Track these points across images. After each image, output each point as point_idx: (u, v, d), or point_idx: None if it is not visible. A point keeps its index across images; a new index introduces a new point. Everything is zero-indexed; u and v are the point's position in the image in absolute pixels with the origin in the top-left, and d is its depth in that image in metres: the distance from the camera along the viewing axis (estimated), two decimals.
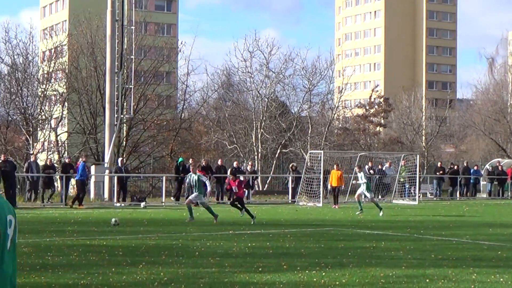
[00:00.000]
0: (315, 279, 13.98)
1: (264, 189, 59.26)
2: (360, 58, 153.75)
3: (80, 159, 39.83)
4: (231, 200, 29.26)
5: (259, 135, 66.09)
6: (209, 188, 28.39)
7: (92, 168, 42.12)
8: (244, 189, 33.41)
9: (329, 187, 41.24)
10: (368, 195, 34.13)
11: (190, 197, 28.77)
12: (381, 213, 32.22)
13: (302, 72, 69.48)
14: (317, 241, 21.00)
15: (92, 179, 41.44)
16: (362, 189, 33.88)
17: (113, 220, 25.33)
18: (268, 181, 62.67)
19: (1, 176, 36.99)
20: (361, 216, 31.73)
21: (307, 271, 14.88)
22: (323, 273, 14.69)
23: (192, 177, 28.37)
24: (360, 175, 34.13)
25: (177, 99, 69.71)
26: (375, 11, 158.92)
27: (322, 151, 45.30)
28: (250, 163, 48.88)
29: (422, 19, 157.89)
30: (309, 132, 68.67)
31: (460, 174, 52.84)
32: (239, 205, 28.54)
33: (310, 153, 46.22)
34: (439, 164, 54.60)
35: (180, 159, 43.55)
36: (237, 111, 70.55)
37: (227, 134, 69.14)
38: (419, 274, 14.72)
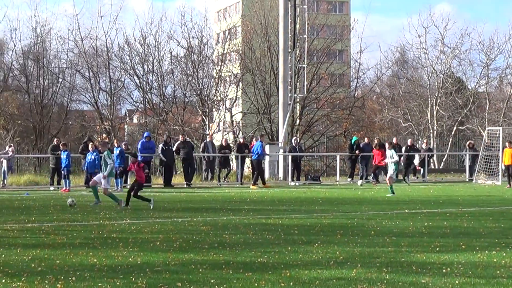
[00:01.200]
0: (495, 260, 13.57)
1: (440, 167, 58.31)
2: None
3: (254, 139, 40.28)
4: (133, 189, 24.30)
5: (435, 112, 64.97)
6: (106, 172, 24.89)
7: (267, 147, 42.48)
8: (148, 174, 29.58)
9: (502, 166, 39.87)
10: (390, 174, 30.67)
11: (96, 178, 25.65)
12: (389, 194, 29.88)
13: (479, 47, 67.77)
14: (496, 220, 20.40)
15: (267, 159, 41.80)
16: (392, 170, 30.65)
17: (69, 200, 24.72)
18: (444, 159, 61.68)
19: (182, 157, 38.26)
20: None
21: (486, 252, 14.47)
22: (504, 254, 14.26)
23: (103, 156, 25.53)
24: (391, 153, 31.11)
25: (350, 77, 69.42)
26: None
27: (500, 128, 44.07)
28: (425, 141, 48.11)
29: None
30: (487, 108, 66.85)
31: None
32: (141, 196, 24.50)
33: (488, 130, 45.14)
34: None
35: (355, 138, 43.33)
36: (412, 88, 69.63)
37: (402, 111, 68.30)
38: None
